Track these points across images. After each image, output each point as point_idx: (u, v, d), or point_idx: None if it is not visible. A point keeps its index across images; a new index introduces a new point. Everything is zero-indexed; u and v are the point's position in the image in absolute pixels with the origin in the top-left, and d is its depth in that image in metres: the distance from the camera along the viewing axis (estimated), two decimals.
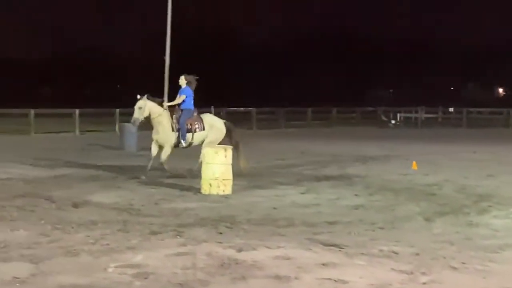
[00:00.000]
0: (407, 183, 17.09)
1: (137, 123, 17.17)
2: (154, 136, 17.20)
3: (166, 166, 17.24)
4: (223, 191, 14.92)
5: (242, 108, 45.23)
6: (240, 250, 9.37)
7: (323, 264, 8.74)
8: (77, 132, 36.56)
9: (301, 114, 46.76)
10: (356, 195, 15.08)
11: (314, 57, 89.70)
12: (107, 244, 9.80)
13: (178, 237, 10.30)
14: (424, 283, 8.06)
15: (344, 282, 7.99)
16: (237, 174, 16.08)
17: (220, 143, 17.06)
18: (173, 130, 17.04)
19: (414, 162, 20.45)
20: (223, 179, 15.00)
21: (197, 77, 17.34)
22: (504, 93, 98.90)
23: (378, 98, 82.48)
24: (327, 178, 17.97)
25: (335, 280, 8.04)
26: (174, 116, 17.05)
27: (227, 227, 11.20)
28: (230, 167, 15.21)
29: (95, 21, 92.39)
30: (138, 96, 16.81)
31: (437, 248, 9.75)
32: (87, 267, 8.58)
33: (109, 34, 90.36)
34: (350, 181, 17.44)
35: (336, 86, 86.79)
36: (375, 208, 13.39)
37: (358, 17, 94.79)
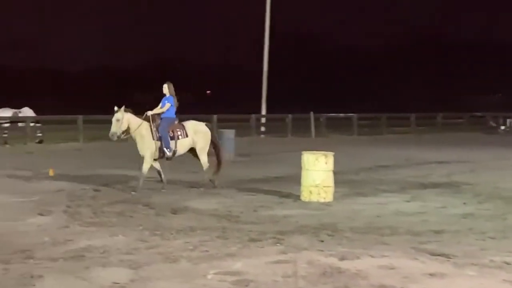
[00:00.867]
0: None
1: (115, 137, 16.07)
2: (140, 151, 16.48)
3: (141, 181, 16.14)
4: (324, 198, 14.86)
5: (342, 114, 44.98)
6: (342, 259, 9.31)
7: (431, 274, 8.58)
8: None
9: (403, 120, 46.12)
10: (464, 203, 14.75)
11: (418, 62, 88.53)
12: (206, 251, 9.92)
13: (278, 244, 10.32)
14: None
15: None
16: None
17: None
18: (153, 139, 16.26)
19: None
20: (324, 186, 14.95)
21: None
22: None
23: (486, 103, 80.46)
24: (433, 185, 17.65)
25: None
26: (154, 125, 16.30)
27: (328, 235, 11.14)
28: (331, 173, 15.14)
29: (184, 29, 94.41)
30: (116, 108, 16.05)
31: None
32: (187, 273, 8.70)
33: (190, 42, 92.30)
34: (458, 188, 17.07)
35: (441, 92, 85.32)
36: (485, 217, 13.05)
37: (463, 22, 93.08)
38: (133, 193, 15.68)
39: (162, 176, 16.56)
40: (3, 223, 12.24)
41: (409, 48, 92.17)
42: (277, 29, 41.14)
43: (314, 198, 14.86)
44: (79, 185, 17.27)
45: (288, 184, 17.02)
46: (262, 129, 40.82)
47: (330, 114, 43.51)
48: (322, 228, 11.68)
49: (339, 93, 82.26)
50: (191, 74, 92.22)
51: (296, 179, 16.04)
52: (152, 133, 16.27)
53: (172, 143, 16.43)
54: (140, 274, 8.67)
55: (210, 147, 17.04)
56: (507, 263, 9.13)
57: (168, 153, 16.39)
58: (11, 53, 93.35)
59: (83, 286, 8.24)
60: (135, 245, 10.34)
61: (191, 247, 10.14)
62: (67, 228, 11.77)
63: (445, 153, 28.46)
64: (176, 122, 16.72)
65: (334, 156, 15.42)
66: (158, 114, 16.44)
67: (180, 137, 16.55)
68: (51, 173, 19.46)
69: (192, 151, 16.94)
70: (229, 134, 27.17)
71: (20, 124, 32.59)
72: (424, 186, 17.53)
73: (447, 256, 9.50)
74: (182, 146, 16.62)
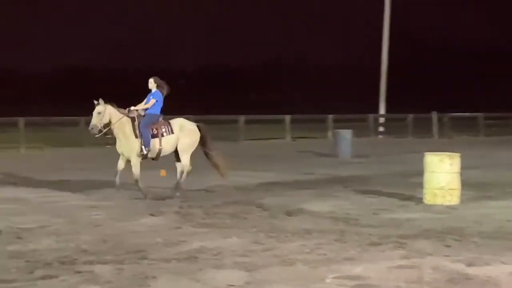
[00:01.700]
0: None
1: (96, 130, 15.47)
2: (119, 148, 15.82)
3: (140, 184, 15.58)
4: (449, 201, 14.55)
5: (467, 113, 43.96)
6: (470, 265, 9.08)
7: None
8: (288, 138, 37.29)
9: None
10: None
11: None
12: (324, 254, 9.87)
13: (400, 249, 10.16)
14: None
15: None
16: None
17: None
18: (136, 137, 15.58)
19: None
20: (449, 189, 14.64)
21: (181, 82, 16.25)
22: None
23: None
24: None
25: None
26: (136, 122, 15.60)
27: (455, 239, 10.88)
28: (457, 175, 14.80)
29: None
30: (95, 102, 15.49)
31: None
32: (304, 277, 8.68)
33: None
34: None
35: None
36: None
37: None
38: (147, 200, 15.16)
39: (117, 179, 15.66)
40: (116, 223, 12.55)
41: None
42: (395, 26, 40.59)
43: (439, 201, 14.56)
44: (190, 185, 17.46)
45: (409, 187, 16.74)
46: (381, 129, 40.42)
47: (454, 114, 42.60)
48: (448, 233, 11.41)
49: (462, 92, 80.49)
50: (307, 74, 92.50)
51: (417, 181, 15.76)
52: (135, 131, 15.56)
53: (155, 141, 15.64)
54: (256, 276, 8.70)
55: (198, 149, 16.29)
56: None
57: (144, 151, 15.54)
58: (116, 54, 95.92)
59: None
60: (250, 247, 10.39)
61: (307, 250, 10.12)
62: (179, 229, 11.96)
63: None
64: (161, 119, 15.90)
65: (460, 157, 15.05)
66: (144, 111, 15.73)
67: (165, 133, 15.77)
68: (162, 173, 19.80)
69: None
70: (345, 134, 27.03)
71: None
72: None
73: None
74: (168, 143, 15.82)
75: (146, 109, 15.76)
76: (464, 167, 15.39)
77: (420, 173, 15.42)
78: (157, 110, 15.83)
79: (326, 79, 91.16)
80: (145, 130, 15.50)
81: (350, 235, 11.27)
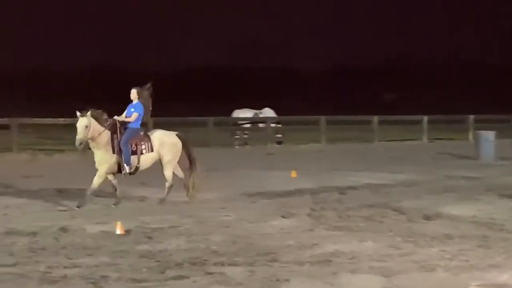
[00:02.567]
0: None
1: (83, 146, 14.78)
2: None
3: (87, 195, 14.84)
4: None
5: None
6: None
7: None
8: (425, 139, 36.73)
9: None
10: None
11: None
12: (466, 260, 9.66)
13: None
14: None
15: None
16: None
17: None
18: (113, 152, 14.95)
19: None
20: None
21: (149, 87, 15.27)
22: None
23: None
24: None
25: None
26: (117, 136, 15.00)
27: None
28: None
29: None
30: (79, 113, 14.73)
31: None
32: (445, 283, 8.54)
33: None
34: None
35: None
36: None
37: None
38: (76, 208, 14.48)
39: (117, 191, 15.18)
40: (246, 224, 12.69)
41: None
42: None
43: None
44: (322, 187, 17.52)
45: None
46: None
47: None
48: None
49: None
50: (439, 72, 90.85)
51: None
52: (113, 146, 14.98)
53: (134, 158, 15.11)
54: (394, 282, 8.61)
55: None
56: None
57: (127, 170, 15.04)
58: (250, 53, 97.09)
59: None
60: (386, 251, 10.29)
61: (448, 256, 9.93)
62: (312, 232, 11.97)
63: None
64: (142, 133, 15.40)
65: None
66: (122, 124, 15.12)
67: (144, 151, 15.24)
68: (293, 174, 19.93)
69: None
70: (488, 136, 26.41)
71: (260, 125, 33.74)
72: None
73: None
74: (145, 161, 15.29)
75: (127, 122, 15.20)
76: None
77: None
78: (138, 124, 15.31)
79: (465, 79, 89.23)
80: (126, 147, 15.00)
81: (494, 241, 10.98)
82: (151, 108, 15.59)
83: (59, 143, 30.09)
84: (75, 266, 9.44)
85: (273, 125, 33.59)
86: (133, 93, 15.36)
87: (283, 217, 13.42)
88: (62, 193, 16.45)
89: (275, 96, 67.16)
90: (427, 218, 13.20)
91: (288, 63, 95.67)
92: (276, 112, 34.38)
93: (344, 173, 20.82)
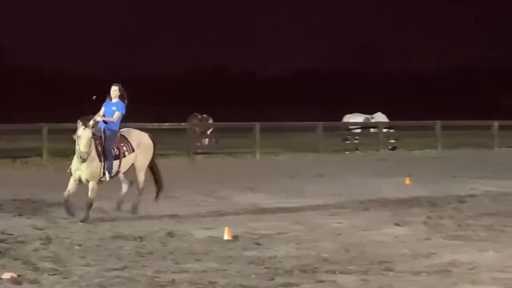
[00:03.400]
0: None
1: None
2: (76, 171, 13.78)
3: (90, 210, 13.78)
4: None
5: None
6: None
7: None
8: None
9: None
10: None
11: None
12: None
13: None
14: None
15: None
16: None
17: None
18: (100, 161, 13.80)
19: None
20: None
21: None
22: None
23: None
24: None
25: None
26: (95, 141, 13.78)
27: None
28: None
29: None
30: (80, 123, 13.52)
31: None
32: None
33: None
34: None
35: None
36: None
37: None
38: (80, 223, 13.39)
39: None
40: (359, 232, 12.63)
41: None
42: None
43: None
44: (439, 195, 17.26)
45: None
46: None
47: None
48: None
49: None
50: None
51: None
52: (99, 154, 13.82)
53: (116, 163, 14.09)
54: None
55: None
56: None
57: (107, 179, 13.95)
58: (363, 56, 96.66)
59: None
60: (510, 262, 10.07)
61: None
62: (428, 241, 11.81)
63: None
64: (119, 135, 14.34)
65: None
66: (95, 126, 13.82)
67: (126, 153, 14.25)
68: (407, 181, 19.70)
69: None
70: None
71: (372, 130, 33.51)
72: None
73: None
74: (127, 163, 14.32)
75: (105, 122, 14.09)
76: None
77: None
78: (117, 126, 14.30)
79: None
80: (111, 154, 13.99)
81: None
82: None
83: (163, 147, 30.60)
84: (183, 271, 9.58)
85: (385, 130, 33.30)
86: (115, 90, 14.22)
87: (397, 225, 13.30)
88: (169, 198, 16.69)
89: (389, 100, 66.54)
90: None
91: (402, 66, 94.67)
92: (389, 117, 34.06)
93: (462, 180, 20.46)
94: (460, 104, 73.03)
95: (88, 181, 13.75)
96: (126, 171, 14.46)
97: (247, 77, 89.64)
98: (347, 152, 31.98)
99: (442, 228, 12.91)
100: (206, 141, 31.32)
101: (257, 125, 29.82)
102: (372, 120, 33.40)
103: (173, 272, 9.51)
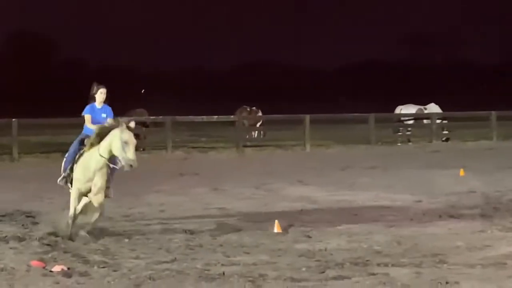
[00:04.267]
0: None
1: None
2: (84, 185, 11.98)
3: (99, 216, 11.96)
4: None
5: None
6: None
7: None
8: None
9: None
10: None
11: None
12: None
13: None
14: None
15: None
16: None
17: None
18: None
19: None
20: None
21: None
22: None
23: None
24: None
25: None
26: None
27: None
28: None
29: None
30: (133, 123, 12.06)
31: None
32: None
33: None
34: None
35: None
36: None
37: None
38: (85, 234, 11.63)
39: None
40: (411, 224, 12.60)
41: None
42: None
43: None
44: (494, 187, 17.08)
45: None
46: None
47: None
48: None
49: None
50: None
51: None
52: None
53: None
54: None
55: None
56: None
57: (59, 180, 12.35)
58: (415, 47, 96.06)
59: None
60: None
61: None
62: (483, 233, 11.72)
63: None
64: None
65: None
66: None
67: None
68: (461, 173, 19.56)
69: None
70: None
71: (425, 121, 33.29)
72: None
73: None
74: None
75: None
76: None
77: None
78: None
79: None
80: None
81: None
82: None
83: (212, 140, 30.86)
84: (232, 264, 9.63)
85: (438, 121, 33.03)
86: (103, 93, 12.62)
87: (451, 217, 13.23)
88: (218, 191, 16.78)
89: (443, 91, 66.02)
90: None
91: (455, 57, 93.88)
92: (443, 108, 33.77)
93: None
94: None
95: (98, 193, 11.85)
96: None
97: (297, 71, 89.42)
98: (399, 144, 31.82)
99: (498, 220, 12.78)
100: (255, 133, 31.44)
101: (307, 117, 29.78)
102: (426, 111, 33.18)
103: (223, 265, 9.56)
